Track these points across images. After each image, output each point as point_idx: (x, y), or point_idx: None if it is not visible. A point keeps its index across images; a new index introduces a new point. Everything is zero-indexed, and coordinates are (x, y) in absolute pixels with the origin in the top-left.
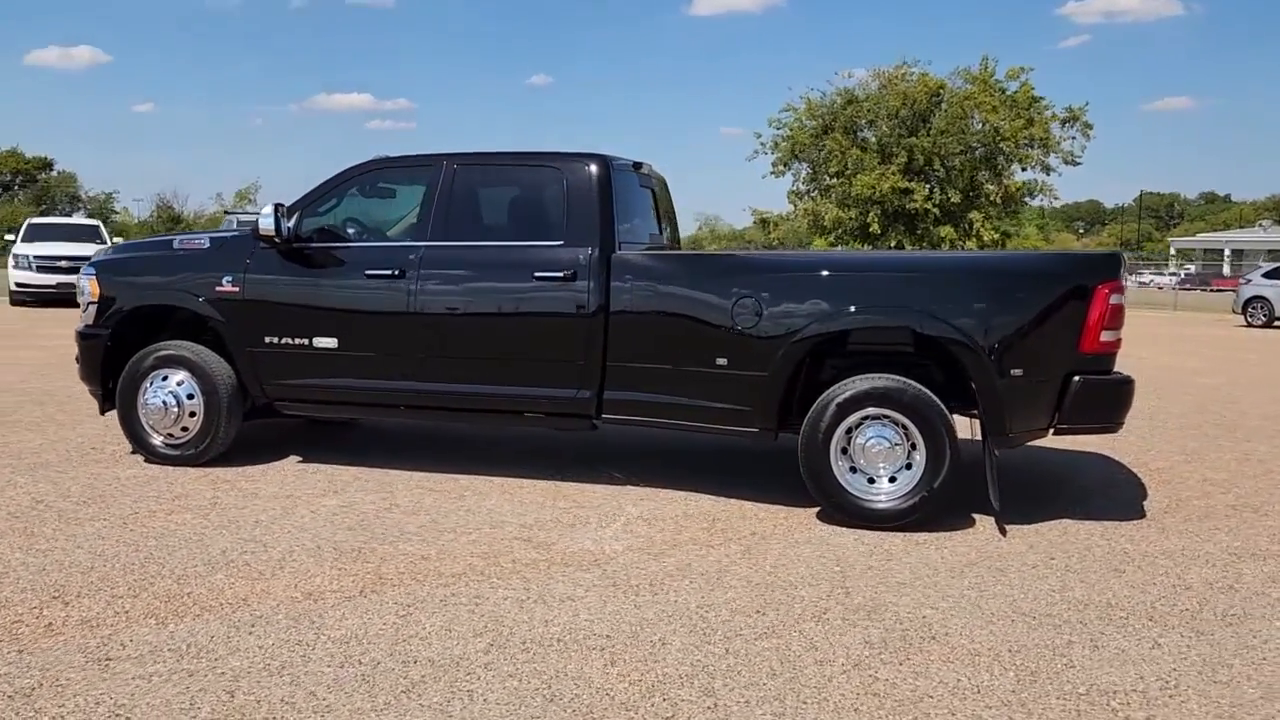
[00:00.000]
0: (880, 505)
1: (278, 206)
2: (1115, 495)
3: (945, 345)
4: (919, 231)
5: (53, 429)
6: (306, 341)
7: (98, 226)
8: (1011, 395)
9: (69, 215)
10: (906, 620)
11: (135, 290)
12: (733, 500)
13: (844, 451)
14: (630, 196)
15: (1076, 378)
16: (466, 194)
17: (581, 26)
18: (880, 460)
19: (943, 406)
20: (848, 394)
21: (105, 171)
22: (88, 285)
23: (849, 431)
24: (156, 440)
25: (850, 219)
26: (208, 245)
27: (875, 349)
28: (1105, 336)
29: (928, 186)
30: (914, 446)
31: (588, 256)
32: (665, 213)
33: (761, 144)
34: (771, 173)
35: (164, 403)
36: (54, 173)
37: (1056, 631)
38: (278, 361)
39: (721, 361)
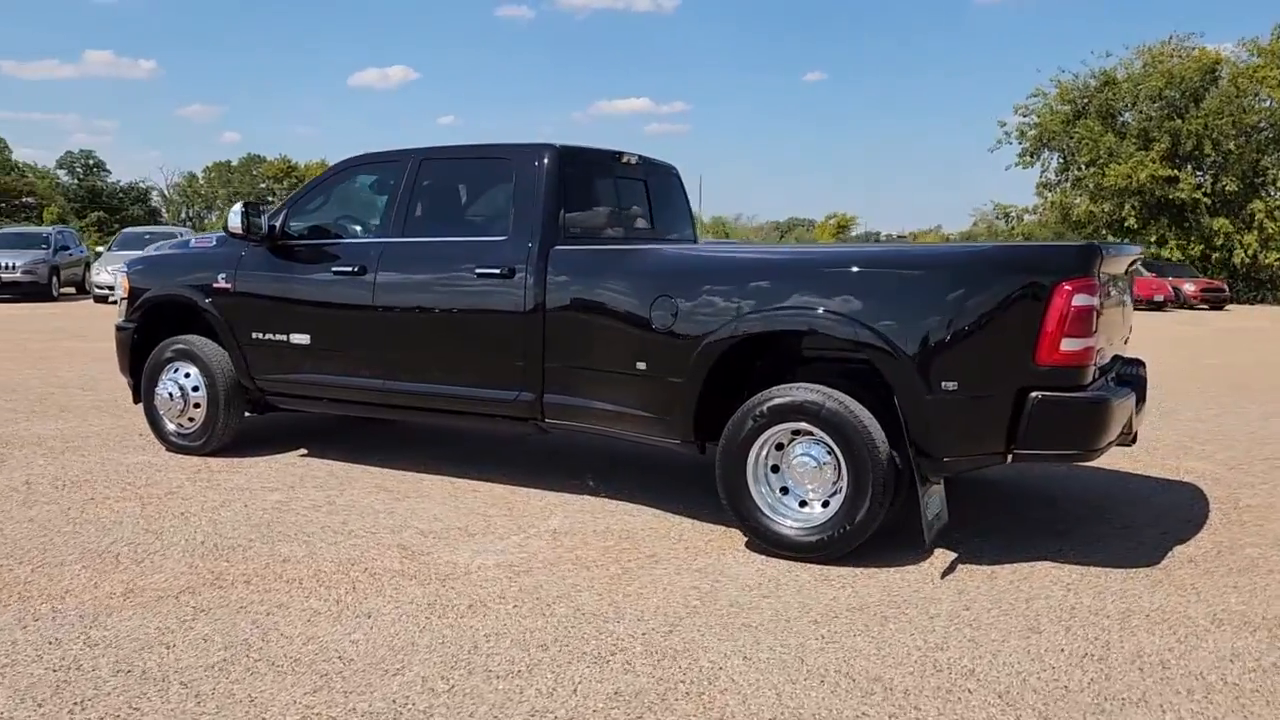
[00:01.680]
0: (786, 532)
1: (246, 204)
2: (1160, 534)
3: (861, 351)
4: (1186, 224)
5: (112, 416)
6: (285, 337)
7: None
8: (942, 413)
9: None
10: (693, 671)
11: (153, 286)
12: (676, 518)
13: (775, 470)
14: (598, 189)
15: (1034, 395)
16: (427, 189)
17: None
18: (807, 481)
19: (868, 425)
20: (765, 405)
21: None
22: (122, 282)
23: (781, 448)
24: (170, 429)
25: (1103, 212)
26: (214, 243)
27: (824, 355)
28: (1068, 346)
29: (1198, 174)
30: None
31: (527, 251)
32: (670, 206)
33: (1005, 133)
34: (1017, 163)
35: (170, 394)
36: None
37: (863, 701)
38: (264, 356)
39: (641, 366)
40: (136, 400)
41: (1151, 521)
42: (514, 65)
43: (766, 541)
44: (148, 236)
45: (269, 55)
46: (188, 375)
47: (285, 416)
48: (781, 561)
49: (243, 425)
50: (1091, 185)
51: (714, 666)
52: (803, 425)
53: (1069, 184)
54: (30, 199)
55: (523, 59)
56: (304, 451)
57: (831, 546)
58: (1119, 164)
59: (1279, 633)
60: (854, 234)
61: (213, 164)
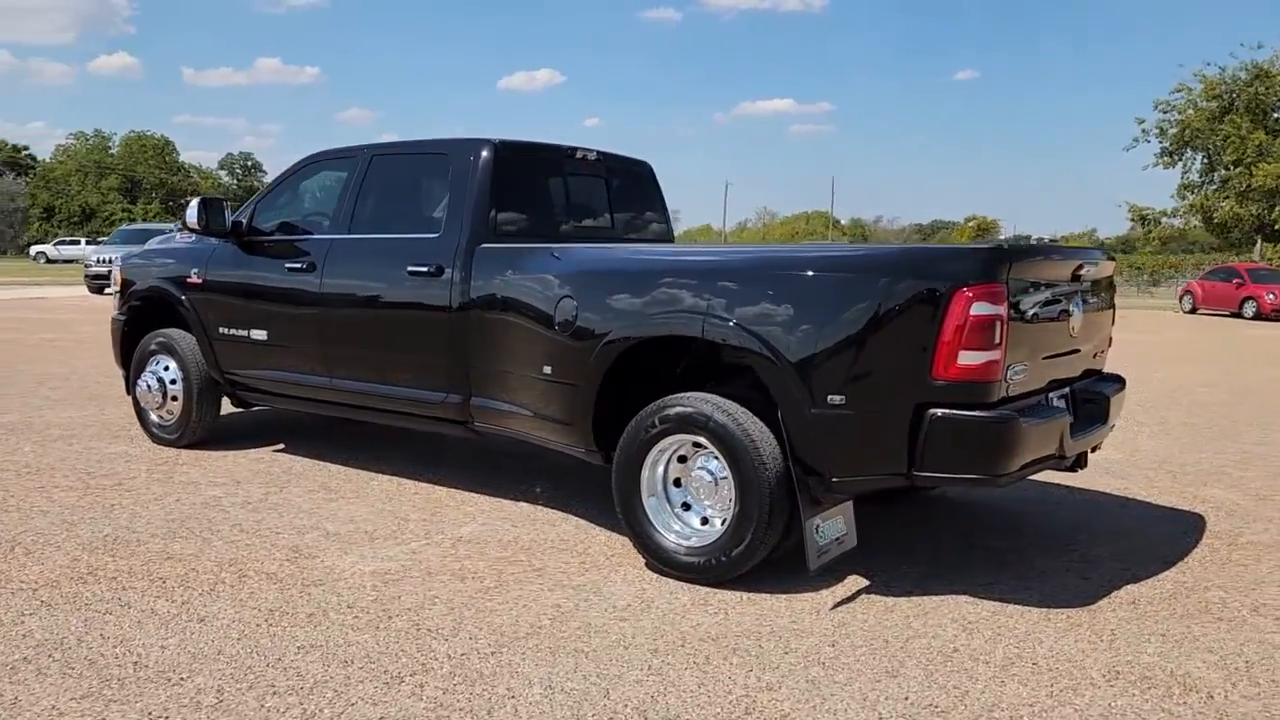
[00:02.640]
0: (673, 551)
1: (204, 199)
2: (1119, 570)
3: (744, 359)
4: None
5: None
6: (247, 333)
7: None
8: (829, 429)
9: None
10: (482, 699)
11: (139, 279)
12: (599, 530)
13: (678, 484)
14: (542, 187)
15: (931, 412)
16: (374, 186)
17: (1014, 15)
18: (705, 497)
19: (757, 441)
20: (658, 414)
21: None
22: (116, 275)
23: (684, 460)
24: (153, 420)
25: (1250, 215)
26: (193, 239)
27: (741, 364)
28: (967, 359)
29: None
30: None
31: (455, 249)
32: (637, 204)
33: (1143, 130)
34: (1156, 163)
35: (148, 386)
36: None
37: None
38: (231, 350)
39: (547, 370)
40: (129, 391)
41: (1119, 555)
42: (658, 67)
43: (656, 560)
44: (145, 232)
45: (423, 60)
46: (167, 368)
47: (280, 413)
48: (671, 583)
49: (251, 419)
50: (1240, 186)
51: (508, 694)
52: (700, 438)
53: (1214, 185)
54: (194, 197)
55: (667, 61)
56: (281, 447)
57: (715, 570)
58: (1269, 163)
59: (1175, 693)
60: (1000, 237)
61: None
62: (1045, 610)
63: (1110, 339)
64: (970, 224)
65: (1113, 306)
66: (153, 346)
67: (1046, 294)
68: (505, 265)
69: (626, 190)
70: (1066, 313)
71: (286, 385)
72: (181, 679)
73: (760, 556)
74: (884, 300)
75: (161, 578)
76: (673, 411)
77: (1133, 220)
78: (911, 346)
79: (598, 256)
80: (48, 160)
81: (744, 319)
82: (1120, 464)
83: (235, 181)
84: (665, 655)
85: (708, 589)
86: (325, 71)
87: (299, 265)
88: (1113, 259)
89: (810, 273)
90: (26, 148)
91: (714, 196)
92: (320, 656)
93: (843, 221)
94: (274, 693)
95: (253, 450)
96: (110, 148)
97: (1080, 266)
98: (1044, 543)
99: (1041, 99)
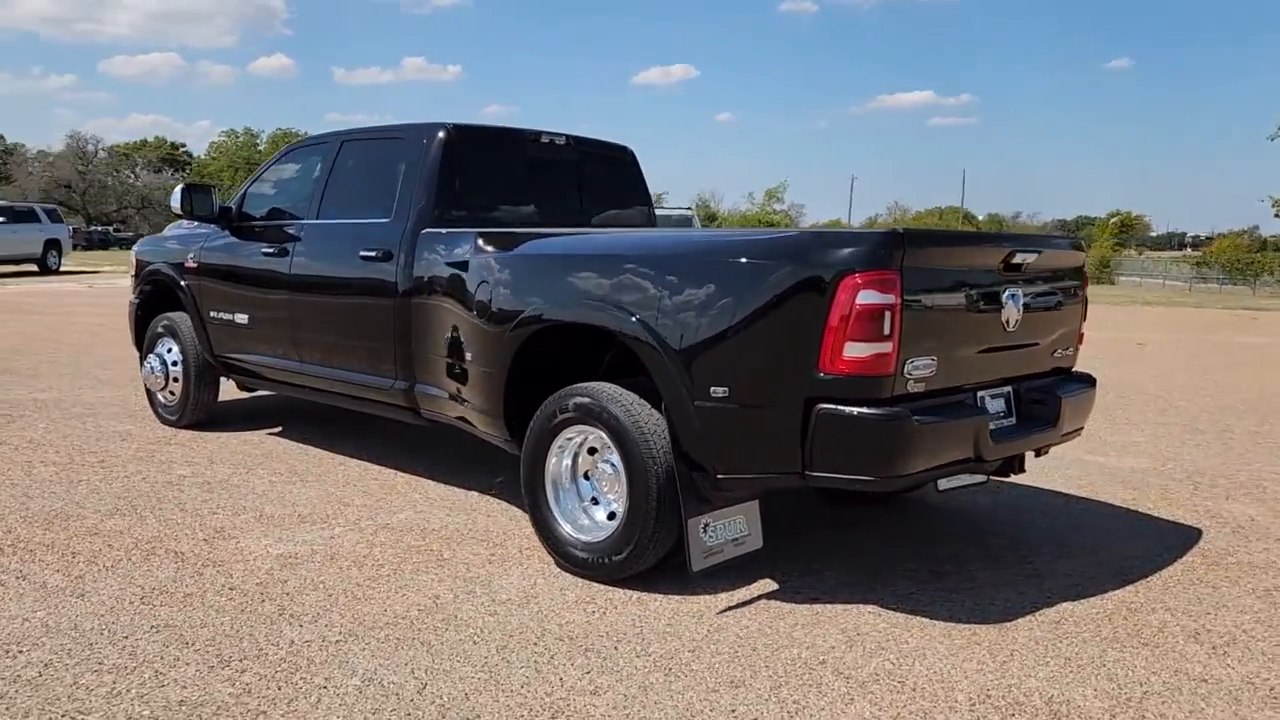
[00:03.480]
0: (567, 545)
1: (188, 185)
2: (1065, 586)
3: (631, 348)
4: None
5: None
6: (231, 316)
7: (692, 216)
8: (712, 422)
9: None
10: (237, 690)
11: (150, 262)
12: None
13: (587, 476)
14: (500, 172)
15: (820, 408)
16: (342, 171)
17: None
18: (609, 490)
19: (647, 433)
20: (560, 403)
21: (670, 176)
22: (131, 259)
23: (595, 452)
24: (160, 401)
25: None
26: (195, 225)
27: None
28: (853, 351)
29: None
30: None
31: (401, 233)
32: (613, 191)
33: None
34: None
35: (152, 367)
36: None
37: None
38: (219, 333)
39: (469, 355)
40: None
41: (1077, 570)
42: (794, 61)
43: (555, 554)
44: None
45: (560, 56)
46: (170, 350)
47: (285, 397)
48: (567, 579)
49: (260, 402)
50: None
51: (323, 685)
52: (599, 429)
53: None
54: None
55: (803, 55)
56: (278, 430)
57: (606, 569)
58: None
59: None
60: (1153, 235)
61: None
62: (950, 625)
63: (1079, 335)
64: (1113, 220)
65: (1079, 299)
66: (159, 329)
67: (964, 284)
68: (438, 250)
69: (603, 177)
70: (997, 305)
71: (265, 368)
72: (18, 652)
73: (652, 557)
74: (768, 288)
75: (74, 552)
76: (572, 401)
77: (1278, 213)
78: (797, 338)
79: (511, 241)
80: (202, 157)
81: (631, 306)
82: (1144, 473)
83: None
84: (511, 652)
85: (602, 586)
86: (466, 70)
87: (272, 250)
88: (1080, 248)
89: (696, 259)
90: (184, 145)
91: (846, 191)
92: (166, 637)
93: (980, 217)
94: (95, 671)
95: (248, 433)
96: (258, 144)
97: (1012, 255)
98: (1000, 554)
99: (1200, 89)
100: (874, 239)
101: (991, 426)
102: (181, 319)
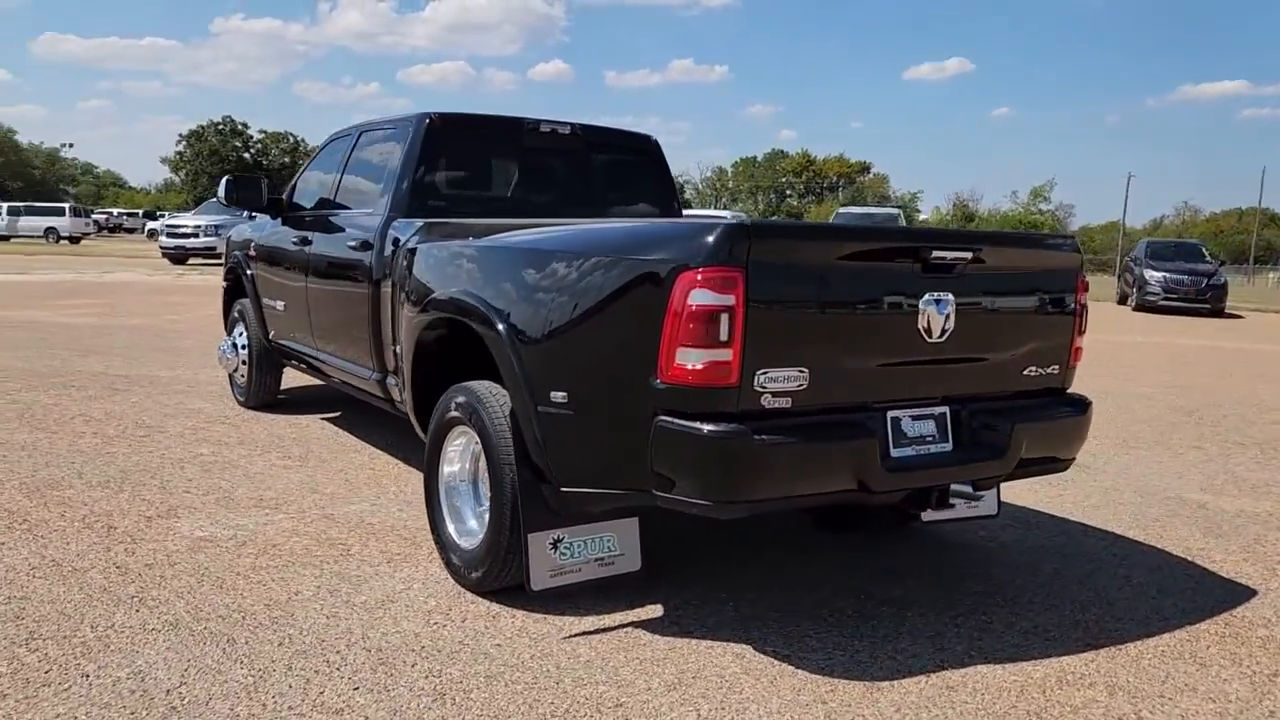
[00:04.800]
0: (450, 550)
1: (234, 176)
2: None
3: (488, 346)
4: None
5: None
6: (275, 303)
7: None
8: (552, 430)
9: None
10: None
11: (232, 250)
12: None
13: (479, 482)
14: (487, 161)
15: (658, 420)
16: (355, 162)
17: None
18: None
19: (508, 436)
20: (446, 401)
21: (933, 173)
22: (220, 246)
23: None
24: (235, 383)
25: None
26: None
27: None
28: (686, 359)
29: None
30: None
31: (379, 224)
32: (630, 181)
33: None
34: None
35: (224, 350)
36: (870, 175)
37: None
38: (270, 318)
39: (397, 349)
40: None
41: (1037, 628)
42: (1082, 52)
43: (444, 561)
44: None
45: (826, 53)
46: (240, 334)
47: None
48: (444, 585)
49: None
50: None
51: (86, 674)
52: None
53: None
54: None
55: (1092, 44)
56: (335, 415)
57: (474, 582)
58: None
59: None
60: None
61: (740, 159)
62: (814, 678)
63: (1071, 350)
64: None
65: (1068, 309)
66: (235, 314)
67: (853, 285)
68: (399, 239)
69: (619, 168)
70: (911, 311)
71: (297, 354)
72: None
73: (516, 572)
74: (608, 285)
75: (24, 520)
76: (455, 400)
77: None
78: (635, 342)
79: (446, 231)
80: None
81: (488, 299)
82: (1246, 519)
83: None
84: (306, 657)
85: (471, 598)
86: (733, 69)
87: (298, 239)
88: (1075, 250)
89: (550, 253)
90: None
91: (1136, 188)
92: (6, 611)
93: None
94: None
95: (302, 416)
96: None
97: (929, 251)
98: (962, 600)
99: None
100: (714, 230)
101: (907, 453)
102: (247, 305)
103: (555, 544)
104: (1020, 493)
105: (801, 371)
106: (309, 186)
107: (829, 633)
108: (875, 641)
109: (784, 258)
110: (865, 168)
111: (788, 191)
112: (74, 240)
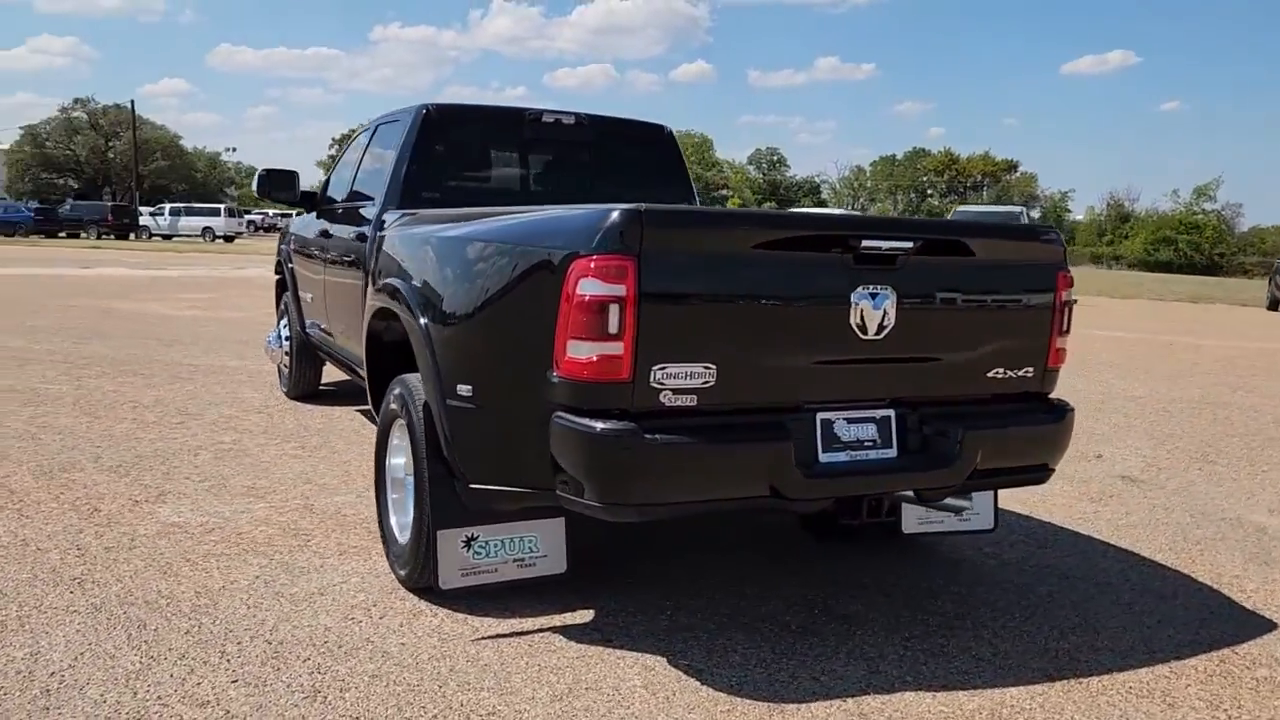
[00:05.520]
0: (388, 544)
1: (266, 172)
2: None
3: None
4: None
5: None
6: (305, 295)
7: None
8: (459, 423)
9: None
10: None
11: (280, 244)
12: None
13: None
14: (486, 153)
15: (555, 417)
16: (370, 153)
17: None
18: None
19: (422, 428)
20: (388, 393)
21: (1083, 172)
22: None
23: None
24: (281, 373)
25: None
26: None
27: None
28: (577, 352)
29: None
30: None
31: (375, 216)
32: (640, 171)
33: None
34: None
35: (269, 343)
36: (1017, 174)
37: None
38: (305, 310)
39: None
40: None
41: (996, 655)
42: (1260, 41)
43: (387, 557)
44: None
45: (980, 49)
46: (285, 326)
47: None
48: (381, 580)
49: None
50: None
51: None
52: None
53: None
54: (725, 191)
55: (1271, 32)
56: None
57: (404, 578)
58: None
59: None
60: None
61: (879, 158)
62: (704, 692)
63: (1049, 350)
64: None
65: (1045, 305)
66: (281, 307)
67: (768, 276)
68: (386, 229)
69: (629, 158)
70: (840, 305)
71: (321, 345)
72: None
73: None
74: (510, 275)
75: (23, 499)
76: (394, 392)
77: None
78: (533, 334)
79: (402, 220)
80: None
81: (409, 290)
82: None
83: (761, 175)
84: (203, 647)
85: (403, 594)
86: (880, 67)
87: (321, 232)
88: (1052, 240)
89: (463, 243)
90: None
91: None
92: None
93: None
94: None
95: (338, 407)
96: None
97: (858, 240)
98: (925, 621)
99: None
100: (607, 216)
101: (839, 458)
102: (289, 298)
103: (469, 542)
104: (1050, 506)
105: (707, 368)
106: (338, 179)
107: (759, 648)
108: (805, 660)
109: (684, 246)
110: (1012, 166)
111: (929, 191)
112: (228, 239)
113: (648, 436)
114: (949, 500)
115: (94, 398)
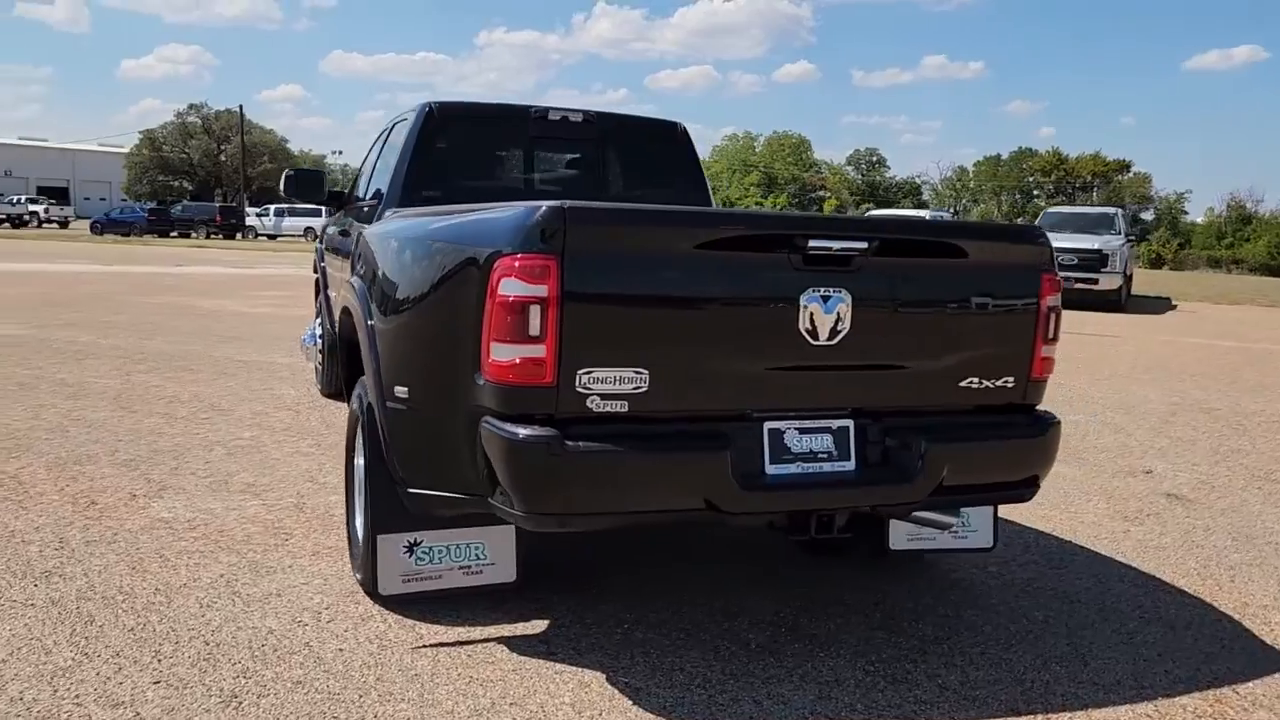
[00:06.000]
0: (351, 546)
1: (292, 172)
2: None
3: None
4: None
5: None
6: (333, 293)
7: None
8: (396, 427)
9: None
10: None
11: (317, 243)
12: None
13: None
14: (489, 152)
15: (482, 422)
16: (385, 153)
17: None
18: None
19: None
20: (354, 394)
21: (1204, 172)
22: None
23: None
24: (318, 371)
25: None
26: None
27: None
28: (499, 355)
29: None
30: None
31: (379, 214)
32: (653, 169)
33: None
34: None
35: (304, 341)
36: (1129, 174)
37: None
38: (335, 307)
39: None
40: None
41: (960, 685)
42: None
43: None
44: None
45: (1095, 46)
46: (319, 324)
47: None
48: (338, 582)
49: None
50: None
51: None
52: None
53: None
54: (822, 192)
55: None
56: None
57: (361, 581)
58: None
59: None
60: None
61: (983, 158)
62: (642, 713)
63: (1034, 359)
64: None
65: (1026, 310)
66: (318, 304)
67: (710, 277)
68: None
69: (640, 156)
70: (788, 308)
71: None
72: None
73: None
74: (441, 275)
75: (29, 494)
76: (355, 394)
77: None
78: (463, 336)
79: (389, 218)
80: (704, 159)
81: (359, 290)
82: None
83: (860, 176)
84: (141, 647)
85: (361, 599)
86: (990, 65)
87: (340, 230)
88: (1034, 240)
89: (405, 241)
90: None
91: None
92: None
93: None
94: None
95: None
96: (755, 147)
97: (804, 240)
98: (896, 645)
99: None
100: (529, 215)
101: (789, 470)
102: (323, 296)
103: (411, 547)
104: (1076, 524)
105: (639, 373)
106: (362, 179)
107: (709, 667)
108: (753, 682)
109: (614, 245)
110: (1124, 166)
111: (1035, 192)
112: None
113: (569, 444)
114: (932, 515)
115: (135, 392)
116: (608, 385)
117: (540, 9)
